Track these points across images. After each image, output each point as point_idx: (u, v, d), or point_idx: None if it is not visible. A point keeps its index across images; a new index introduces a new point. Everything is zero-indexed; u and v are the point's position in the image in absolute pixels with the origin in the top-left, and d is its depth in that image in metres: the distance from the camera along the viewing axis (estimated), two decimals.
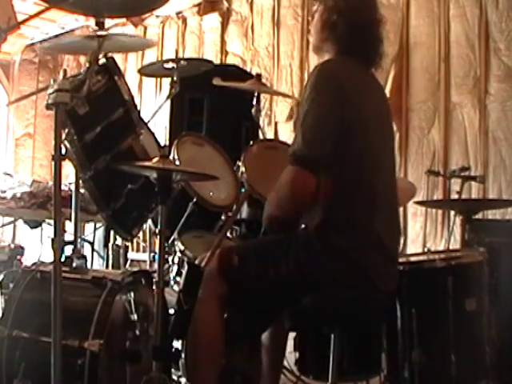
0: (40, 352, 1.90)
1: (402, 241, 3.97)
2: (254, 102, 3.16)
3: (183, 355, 2.27)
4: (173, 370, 2.30)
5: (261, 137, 3.61)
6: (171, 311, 2.28)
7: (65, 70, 2.03)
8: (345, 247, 1.96)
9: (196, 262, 2.35)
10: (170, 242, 2.58)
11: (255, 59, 5.38)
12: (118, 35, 2.50)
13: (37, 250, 4.59)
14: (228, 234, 2.68)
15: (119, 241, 3.70)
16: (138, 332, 2.06)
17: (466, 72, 3.97)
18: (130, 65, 6.53)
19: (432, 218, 4.06)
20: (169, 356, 2.20)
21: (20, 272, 2.21)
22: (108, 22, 2.26)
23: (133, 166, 2.07)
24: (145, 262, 4.12)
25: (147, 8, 2.48)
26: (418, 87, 4.24)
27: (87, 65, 2.09)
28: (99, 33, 2.16)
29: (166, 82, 3.50)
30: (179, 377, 2.34)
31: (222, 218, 2.70)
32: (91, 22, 2.26)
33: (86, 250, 4.31)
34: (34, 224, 4.21)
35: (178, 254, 2.48)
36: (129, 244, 4.52)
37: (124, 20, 6.21)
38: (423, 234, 4.10)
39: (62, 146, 1.91)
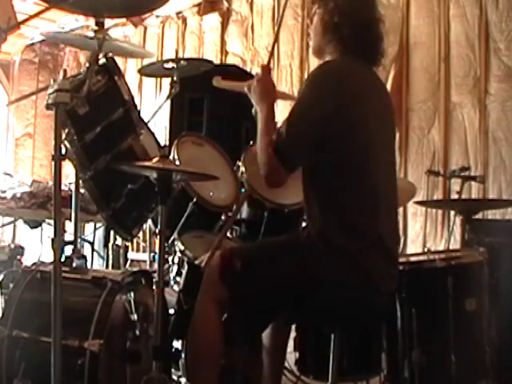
0: (40, 352, 1.90)
1: (402, 241, 3.98)
2: None
3: (183, 355, 2.27)
4: (173, 369, 2.30)
5: None
6: (171, 311, 2.28)
7: (65, 70, 2.02)
8: (347, 249, 1.96)
9: (196, 262, 2.34)
10: (170, 241, 2.58)
11: (255, 59, 5.38)
12: (118, 41, 2.50)
13: (37, 249, 4.59)
14: (228, 234, 2.68)
15: (119, 241, 3.70)
16: (137, 332, 2.06)
17: (466, 72, 3.97)
18: (129, 65, 6.53)
19: (432, 217, 4.06)
20: (169, 356, 2.20)
21: (20, 272, 2.21)
22: (108, 22, 2.26)
23: (133, 165, 2.07)
24: (145, 262, 4.12)
25: (147, 8, 2.48)
26: (418, 87, 4.24)
27: (87, 65, 2.09)
28: (99, 35, 2.16)
29: (166, 82, 3.49)
30: (179, 377, 2.34)
31: (222, 217, 2.70)
32: (91, 21, 2.26)
33: (86, 250, 4.31)
34: (34, 224, 4.20)
35: (178, 254, 2.48)
36: (129, 244, 4.52)
37: (124, 20, 6.22)
38: (423, 234, 4.10)
39: (62, 145, 1.90)
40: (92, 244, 4.36)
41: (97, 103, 2.15)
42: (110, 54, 2.27)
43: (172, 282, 2.49)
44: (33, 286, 2.09)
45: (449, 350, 2.21)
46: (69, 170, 2.90)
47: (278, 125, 2.07)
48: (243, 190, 2.54)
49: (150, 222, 2.79)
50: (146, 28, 6.46)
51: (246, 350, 2.40)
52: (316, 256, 1.97)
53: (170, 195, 1.95)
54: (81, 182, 2.29)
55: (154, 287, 2.12)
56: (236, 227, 2.77)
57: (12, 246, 3.65)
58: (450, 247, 3.16)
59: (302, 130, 1.98)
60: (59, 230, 1.85)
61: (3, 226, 5.68)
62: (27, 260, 3.62)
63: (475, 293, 2.32)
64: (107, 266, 3.64)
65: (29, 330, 1.98)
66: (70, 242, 2.24)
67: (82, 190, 2.41)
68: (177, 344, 2.31)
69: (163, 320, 1.98)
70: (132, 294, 2.06)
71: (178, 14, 6.05)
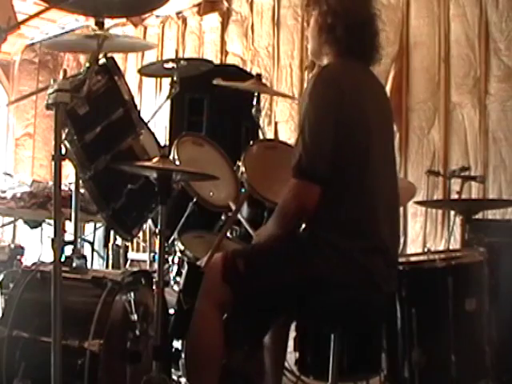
0: (40, 352, 1.90)
1: (402, 241, 3.98)
2: (254, 102, 3.16)
3: (183, 355, 2.27)
4: (173, 369, 2.30)
5: (261, 137, 3.61)
6: (171, 311, 2.28)
7: (65, 70, 2.03)
8: (348, 249, 1.96)
9: (197, 263, 2.34)
10: (170, 241, 2.58)
11: (255, 59, 5.38)
12: (118, 36, 2.50)
13: (37, 249, 4.59)
14: (228, 234, 2.68)
15: (119, 241, 3.70)
16: (137, 332, 2.06)
17: (466, 72, 3.97)
18: (130, 65, 6.53)
19: (432, 218, 4.06)
20: (169, 356, 2.20)
21: (20, 272, 2.21)
22: (108, 22, 2.26)
23: (133, 165, 2.07)
24: (145, 262, 4.11)
25: (147, 8, 2.49)
26: (418, 87, 4.24)
27: (87, 65, 2.09)
28: (99, 33, 2.16)
29: (166, 82, 3.50)
30: (179, 377, 2.34)
31: (222, 217, 2.70)
32: (91, 21, 2.26)
33: (86, 250, 4.32)
34: (34, 224, 4.20)
35: (178, 254, 2.48)
36: (129, 244, 4.52)
37: (124, 20, 6.22)
38: (423, 234, 4.10)
39: (62, 146, 1.91)
40: (92, 244, 4.36)
41: (97, 103, 2.15)
42: (110, 54, 2.27)
43: (172, 282, 2.49)
44: (33, 286, 2.09)
45: (449, 350, 2.21)
46: (69, 170, 2.90)
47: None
48: (243, 190, 2.54)
49: (150, 221, 2.79)
50: (146, 28, 6.46)
51: (247, 350, 2.40)
52: (317, 256, 1.97)
53: (169, 195, 1.95)
54: (81, 182, 2.29)
55: (153, 287, 2.12)
56: (236, 227, 2.77)
57: (12, 246, 3.65)
58: (450, 247, 3.16)
59: (319, 142, 1.98)
60: (59, 230, 1.85)
61: (3, 225, 5.68)
62: (27, 260, 3.61)
63: (475, 293, 2.32)
64: (107, 266, 3.64)
65: (29, 330, 1.98)
66: (70, 242, 2.24)
67: (82, 190, 2.41)
68: (177, 344, 2.31)
69: (163, 320, 1.98)
70: (132, 294, 2.06)
71: (178, 14, 6.05)
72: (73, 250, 2.29)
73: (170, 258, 2.54)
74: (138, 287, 2.12)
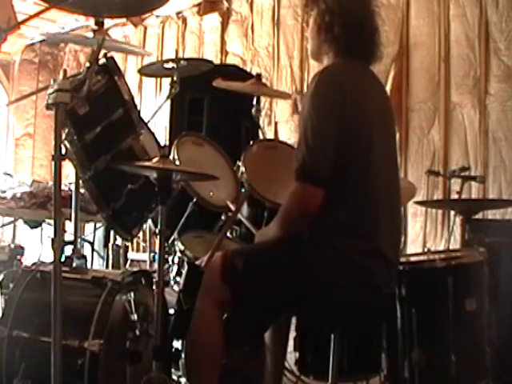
0: (40, 352, 1.90)
1: (402, 241, 3.97)
2: (254, 102, 3.16)
3: (183, 355, 2.27)
4: (173, 369, 2.30)
5: (261, 137, 3.61)
6: (171, 311, 2.28)
7: (65, 70, 2.02)
8: (348, 250, 1.96)
9: (197, 262, 2.34)
10: (170, 241, 2.58)
11: (255, 59, 5.38)
12: (117, 42, 2.50)
13: (37, 249, 4.59)
14: (228, 234, 2.68)
15: (119, 241, 3.70)
16: (138, 332, 2.06)
17: (466, 72, 3.97)
18: (130, 65, 6.53)
19: (432, 218, 4.06)
20: (169, 356, 2.20)
21: (20, 272, 2.21)
22: (108, 22, 2.26)
23: (133, 165, 2.06)
24: (145, 262, 4.12)
25: (147, 8, 2.49)
26: (418, 87, 4.24)
27: (87, 65, 2.09)
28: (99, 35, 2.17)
29: (166, 82, 3.49)
30: (179, 377, 2.34)
31: (222, 217, 2.70)
32: (91, 22, 2.26)
33: (86, 250, 4.32)
34: (34, 224, 4.21)
35: (178, 254, 2.48)
36: (129, 244, 4.52)
37: (124, 20, 6.22)
38: (423, 234, 4.10)
39: (62, 146, 1.90)
40: (92, 244, 4.36)
41: (97, 103, 2.15)
42: (110, 54, 2.27)
43: (172, 282, 2.49)
44: (33, 286, 2.09)
45: (449, 350, 2.21)
46: (69, 170, 2.90)
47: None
48: (243, 190, 2.54)
49: (150, 221, 2.79)
50: (146, 28, 6.46)
51: (247, 350, 2.40)
52: (317, 257, 1.97)
53: (170, 195, 1.95)
54: (81, 182, 2.30)
55: (153, 287, 2.12)
56: (236, 227, 2.77)
57: (12, 246, 3.65)
58: (450, 247, 3.16)
59: (322, 144, 1.97)
60: (59, 230, 1.85)
61: (3, 225, 5.68)
62: (27, 260, 3.62)
63: (475, 293, 2.32)
64: (107, 266, 3.64)
65: (29, 330, 1.98)
66: (70, 242, 2.24)
67: (82, 190, 2.41)
68: (177, 344, 2.31)
69: (163, 320, 1.98)
70: (132, 294, 2.06)
71: (178, 14, 6.05)
72: (73, 250, 2.29)
73: (170, 258, 2.54)
74: (137, 287, 2.12)
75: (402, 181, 3.29)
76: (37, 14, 2.08)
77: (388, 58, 4.20)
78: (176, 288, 2.42)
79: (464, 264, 2.38)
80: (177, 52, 3.56)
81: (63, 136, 2.06)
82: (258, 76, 3.00)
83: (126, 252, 4.02)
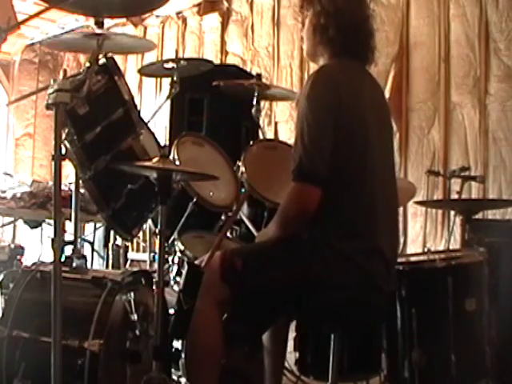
0: (40, 352, 1.90)
1: (402, 241, 3.98)
2: (254, 102, 3.16)
3: (183, 355, 2.27)
4: (173, 369, 2.30)
5: (261, 137, 3.61)
6: (171, 311, 2.28)
7: (65, 70, 2.02)
8: (347, 250, 1.96)
9: (196, 262, 2.34)
10: (170, 241, 2.58)
11: (255, 59, 5.38)
12: (118, 35, 2.50)
13: (37, 249, 4.59)
14: (228, 234, 2.68)
15: (119, 241, 3.70)
16: (137, 332, 2.06)
17: (466, 72, 3.97)
18: (130, 65, 6.53)
19: (432, 218, 4.06)
20: (169, 356, 2.20)
21: (20, 272, 2.21)
22: (108, 22, 2.26)
23: (133, 165, 2.06)
24: (145, 262, 4.12)
25: (147, 8, 2.48)
26: (418, 87, 4.24)
27: (87, 65, 2.09)
28: (99, 31, 2.16)
29: (166, 82, 3.49)
30: (179, 377, 2.34)
31: (222, 217, 2.70)
32: (91, 21, 2.26)
33: (86, 250, 4.32)
34: (34, 224, 4.21)
35: (178, 254, 2.48)
36: (129, 244, 4.52)
37: (124, 20, 6.22)
38: (423, 234, 4.10)
39: (62, 145, 1.91)
40: (92, 244, 4.36)
41: (97, 103, 2.15)
42: (110, 54, 2.27)
43: (172, 282, 2.49)
44: (33, 285, 2.09)
45: (449, 350, 2.21)
46: (69, 170, 2.90)
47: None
48: (243, 190, 2.54)
49: (150, 221, 2.79)
50: (146, 28, 6.46)
51: (246, 350, 2.40)
52: (317, 256, 1.97)
53: (170, 195, 1.95)
54: (81, 181, 2.30)
55: (153, 287, 2.12)
56: (236, 227, 2.77)
57: (12, 246, 3.65)
58: (450, 247, 3.16)
59: (319, 145, 1.96)
60: (59, 230, 1.85)
61: (3, 225, 5.68)
62: (27, 260, 3.62)
63: (475, 293, 2.32)
64: (107, 266, 3.65)
65: (29, 330, 1.98)
66: (70, 242, 2.24)
67: (82, 190, 2.41)
68: (177, 344, 2.31)
69: (163, 320, 1.98)
70: (132, 294, 2.06)
71: (178, 14, 6.06)
72: (73, 250, 2.29)
73: (170, 258, 2.54)
74: (138, 287, 2.12)
75: (402, 181, 3.31)
76: (37, 14, 2.08)
77: (388, 58, 4.21)
78: (176, 288, 2.42)
79: (464, 264, 2.38)
80: (177, 52, 3.56)
81: (63, 136, 2.07)
82: (258, 76, 3.00)
83: (125, 252, 4.02)
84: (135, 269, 2.78)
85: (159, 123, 3.85)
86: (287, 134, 4.95)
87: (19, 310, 2.05)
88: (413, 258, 2.65)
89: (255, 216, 2.65)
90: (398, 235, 2.22)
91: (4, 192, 3.98)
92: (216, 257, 2.08)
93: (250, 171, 2.47)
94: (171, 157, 2.53)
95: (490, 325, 2.34)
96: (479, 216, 3.20)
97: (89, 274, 2.11)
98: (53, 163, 1.87)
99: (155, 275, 1.98)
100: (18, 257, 3.50)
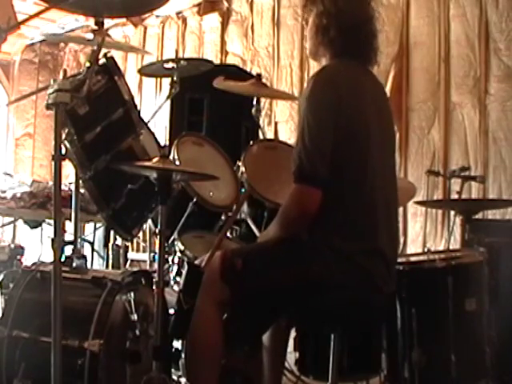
0: (40, 352, 1.90)
1: (402, 241, 3.98)
2: (254, 102, 3.16)
3: (183, 355, 2.27)
4: (173, 369, 2.30)
5: (261, 137, 3.61)
6: (171, 311, 2.28)
7: (65, 70, 2.02)
8: (347, 250, 1.96)
9: (196, 262, 2.35)
10: (170, 241, 2.58)
11: (255, 59, 5.38)
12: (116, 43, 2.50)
13: (37, 249, 4.59)
14: (228, 234, 2.68)
15: (119, 241, 3.70)
16: (138, 332, 2.06)
17: (466, 72, 3.97)
18: (130, 65, 6.53)
19: (432, 218, 4.06)
20: (169, 356, 2.20)
21: (20, 272, 2.21)
22: (108, 22, 2.26)
23: (133, 165, 2.07)
24: (145, 262, 4.12)
25: (147, 8, 2.49)
26: (418, 87, 4.24)
27: (87, 65, 2.09)
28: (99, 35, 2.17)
29: (166, 82, 3.50)
30: (179, 377, 2.34)
31: (222, 217, 2.70)
32: (91, 22, 2.26)
33: (86, 250, 4.32)
34: (34, 224, 4.21)
35: (178, 254, 2.48)
36: (129, 244, 4.52)
37: (124, 20, 6.21)
38: (423, 234, 4.10)
39: (62, 145, 1.90)
40: (92, 244, 4.36)
41: (97, 103, 2.15)
42: (110, 54, 2.27)
43: (172, 282, 2.49)
44: (33, 285, 2.09)
45: (449, 350, 2.21)
46: (69, 170, 2.90)
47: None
48: (243, 190, 2.54)
49: (149, 221, 2.79)
50: (145, 28, 6.46)
51: (246, 350, 2.40)
52: (317, 257, 1.97)
53: (170, 195, 1.95)
54: (81, 182, 2.30)
55: (153, 287, 2.12)
56: (236, 227, 2.77)
57: (12, 246, 3.66)
58: (450, 247, 3.16)
59: (319, 146, 1.97)
60: (59, 230, 1.85)
61: (3, 225, 5.68)
62: (27, 260, 3.62)
63: (475, 293, 2.32)
64: (107, 266, 3.64)
65: (29, 330, 1.98)
66: (70, 242, 2.24)
67: (82, 190, 2.41)
68: (177, 344, 2.31)
69: (163, 320, 1.98)
70: (132, 294, 2.06)
71: (178, 14, 6.05)
72: (73, 250, 2.29)
73: (170, 258, 2.54)
74: (138, 287, 2.12)
75: (402, 181, 3.31)
76: (37, 14, 2.07)
77: (388, 58, 4.20)
78: (176, 288, 2.42)
79: (464, 264, 2.38)
80: (177, 52, 3.56)
81: (63, 136, 2.07)
82: (258, 76, 3.00)
83: (126, 252, 4.02)
84: (135, 269, 2.78)
85: (159, 123, 3.85)
86: (287, 134, 4.95)
87: (19, 310, 2.05)
88: (413, 258, 2.65)
89: (255, 216, 2.65)
90: (398, 235, 2.22)
91: (4, 192, 3.98)
92: (216, 257, 2.08)
93: (250, 171, 2.47)
94: (171, 157, 2.53)
95: (489, 325, 2.34)
96: (479, 216, 3.20)
97: (89, 273, 2.11)
98: (53, 163, 1.87)
99: (155, 275, 1.99)
100: (18, 257, 3.50)
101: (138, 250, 5.56)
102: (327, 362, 2.21)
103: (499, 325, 2.43)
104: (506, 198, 3.70)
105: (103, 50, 2.17)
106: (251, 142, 2.73)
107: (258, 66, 5.31)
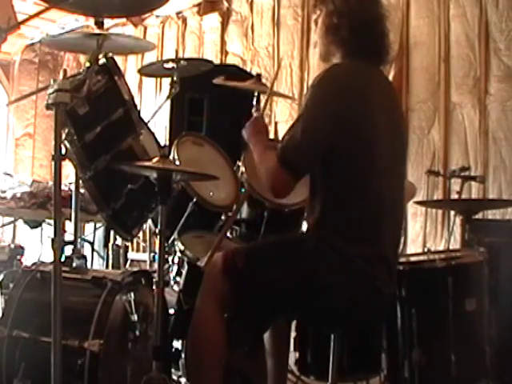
0: (40, 352, 1.90)
1: (402, 241, 3.97)
2: (254, 102, 3.16)
3: (183, 355, 2.27)
4: (173, 369, 2.30)
5: None
6: (171, 311, 2.28)
7: (65, 70, 2.02)
8: (349, 252, 1.95)
9: (198, 263, 2.34)
10: (169, 241, 2.58)
11: (255, 59, 5.38)
12: (117, 35, 2.50)
13: (37, 249, 4.59)
14: (228, 234, 2.68)
15: (119, 241, 3.70)
16: (137, 332, 2.06)
17: (466, 72, 3.97)
18: (130, 65, 6.53)
19: (432, 218, 4.06)
20: (169, 356, 2.20)
21: (20, 272, 2.21)
22: (108, 22, 2.26)
23: (133, 165, 2.07)
24: (145, 262, 4.12)
25: (147, 8, 2.49)
26: (418, 87, 4.24)
27: (87, 65, 2.09)
28: (99, 32, 2.17)
29: (166, 82, 3.49)
30: (179, 377, 2.34)
31: (222, 217, 2.70)
32: (91, 21, 2.26)
33: (86, 250, 4.32)
34: (34, 224, 4.21)
35: (178, 254, 2.48)
36: (129, 244, 4.52)
37: (124, 20, 6.22)
38: (423, 234, 4.10)
39: (62, 145, 1.90)
40: (92, 244, 4.36)
41: (97, 103, 2.15)
42: (110, 54, 2.27)
43: (172, 282, 2.49)
44: (33, 285, 2.09)
45: (449, 350, 2.21)
46: (69, 170, 2.90)
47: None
48: (243, 190, 2.54)
49: (150, 221, 2.79)
50: (146, 28, 6.46)
51: (246, 350, 2.40)
52: (319, 257, 1.96)
53: (170, 195, 1.95)
54: (81, 182, 2.30)
55: (154, 287, 2.12)
56: (236, 227, 2.77)
57: (12, 246, 3.65)
58: (450, 247, 3.16)
59: (310, 138, 1.97)
60: (59, 230, 1.85)
61: (3, 225, 5.68)
62: (27, 260, 3.62)
63: (475, 293, 2.32)
64: (107, 266, 3.64)
65: (29, 330, 1.98)
66: (70, 242, 2.24)
67: (82, 190, 2.41)
68: (177, 344, 2.31)
69: (163, 320, 1.98)
70: (132, 294, 2.06)
71: (178, 14, 6.05)
72: (73, 250, 2.29)
73: (170, 258, 2.54)
74: (138, 287, 2.12)
75: None
76: (37, 14, 2.08)
77: None
78: (176, 288, 2.42)
79: (464, 264, 2.38)
80: (177, 52, 3.56)
81: (63, 136, 2.07)
82: (258, 76, 3.00)
83: (126, 252, 4.02)
84: (135, 269, 2.78)
85: (159, 123, 3.85)
86: None
87: (19, 310, 2.05)
88: (413, 258, 2.65)
89: (255, 216, 2.65)
90: (400, 237, 2.22)
91: (4, 192, 3.98)
92: (218, 256, 2.08)
93: (250, 171, 2.47)
94: (171, 157, 2.53)
95: (490, 325, 2.34)
96: (479, 216, 3.20)
97: (89, 273, 2.11)
98: (53, 163, 1.87)
99: (155, 275, 1.98)
100: (18, 257, 3.50)
101: (137, 250, 5.56)
102: (327, 362, 2.21)
103: (499, 325, 2.43)
104: (505, 197, 3.70)
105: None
106: None
107: (258, 66, 5.30)
